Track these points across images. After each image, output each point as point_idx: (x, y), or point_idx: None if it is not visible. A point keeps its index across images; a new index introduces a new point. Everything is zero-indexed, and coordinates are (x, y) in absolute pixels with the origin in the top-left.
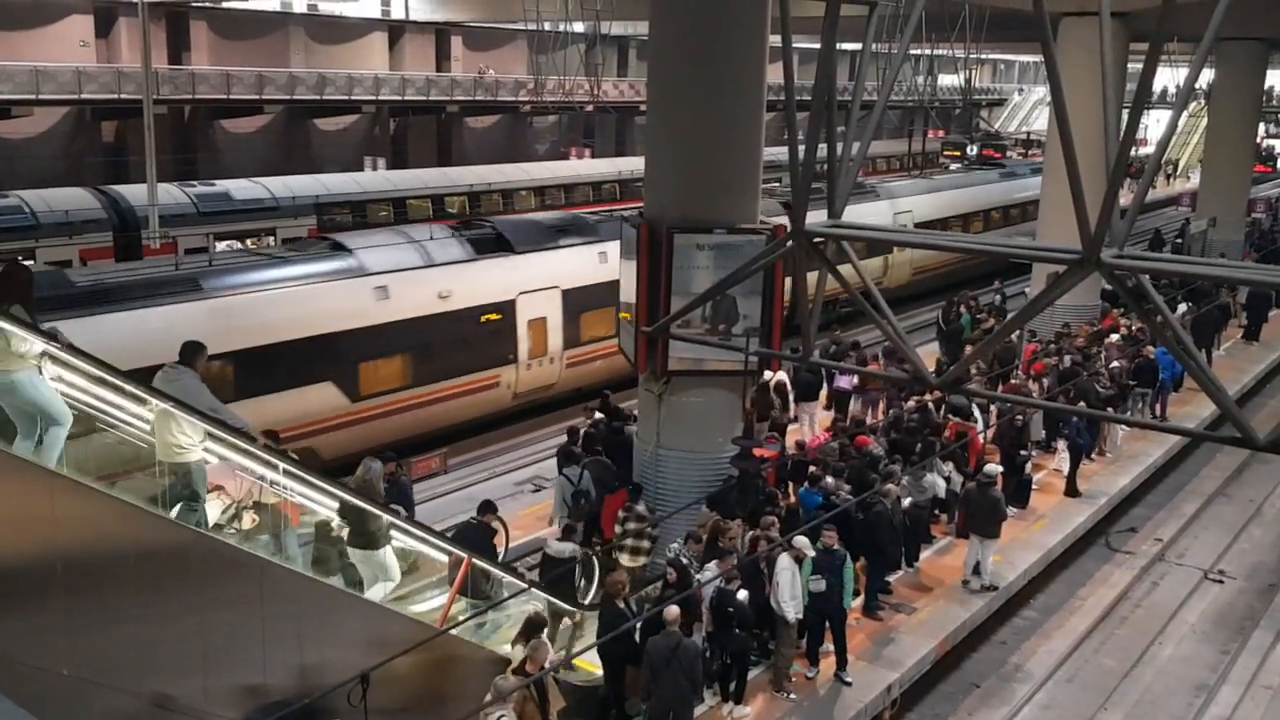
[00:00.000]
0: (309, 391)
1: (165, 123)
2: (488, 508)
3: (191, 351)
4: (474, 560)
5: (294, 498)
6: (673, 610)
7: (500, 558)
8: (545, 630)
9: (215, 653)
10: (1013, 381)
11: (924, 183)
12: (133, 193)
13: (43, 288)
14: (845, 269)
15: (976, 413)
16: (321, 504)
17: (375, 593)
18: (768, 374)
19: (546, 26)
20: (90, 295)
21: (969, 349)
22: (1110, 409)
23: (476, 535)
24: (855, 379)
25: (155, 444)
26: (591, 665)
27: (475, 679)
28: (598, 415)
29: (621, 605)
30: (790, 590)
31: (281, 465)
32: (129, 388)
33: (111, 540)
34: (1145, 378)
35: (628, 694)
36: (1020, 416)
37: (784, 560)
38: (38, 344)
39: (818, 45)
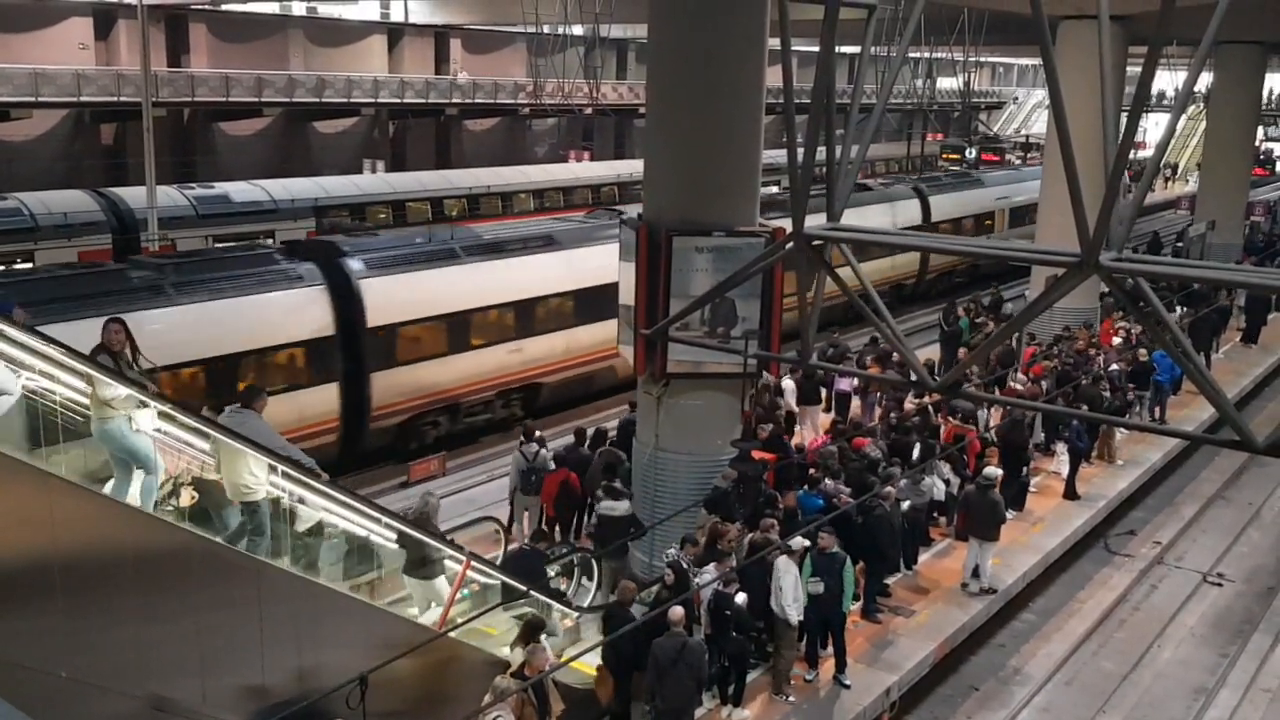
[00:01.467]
0: (594, 328)
1: (164, 125)
2: (540, 535)
3: (252, 396)
4: (532, 591)
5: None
6: (677, 611)
7: (498, 560)
8: (544, 632)
9: (214, 655)
10: (1011, 384)
11: (1014, 173)
12: (132, 195)
13: (438, 244)
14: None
15: (982, 415)
16: (379, 532)
17: (426, 617)
18: (768, 376)
19: (545, 29)
20: (467, 249)
21: (965, 352)
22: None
23: (531, 562)
24: (857, 381)
25: (224, 485)
26: (590, 668)
27: (474, 681)
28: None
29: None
30: (793, 593)
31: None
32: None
33: (110, 542)
34: (1141, 381)
35: (631, 697)
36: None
37: (785, 562)
38: (126, 391)
39: (817, 48)
